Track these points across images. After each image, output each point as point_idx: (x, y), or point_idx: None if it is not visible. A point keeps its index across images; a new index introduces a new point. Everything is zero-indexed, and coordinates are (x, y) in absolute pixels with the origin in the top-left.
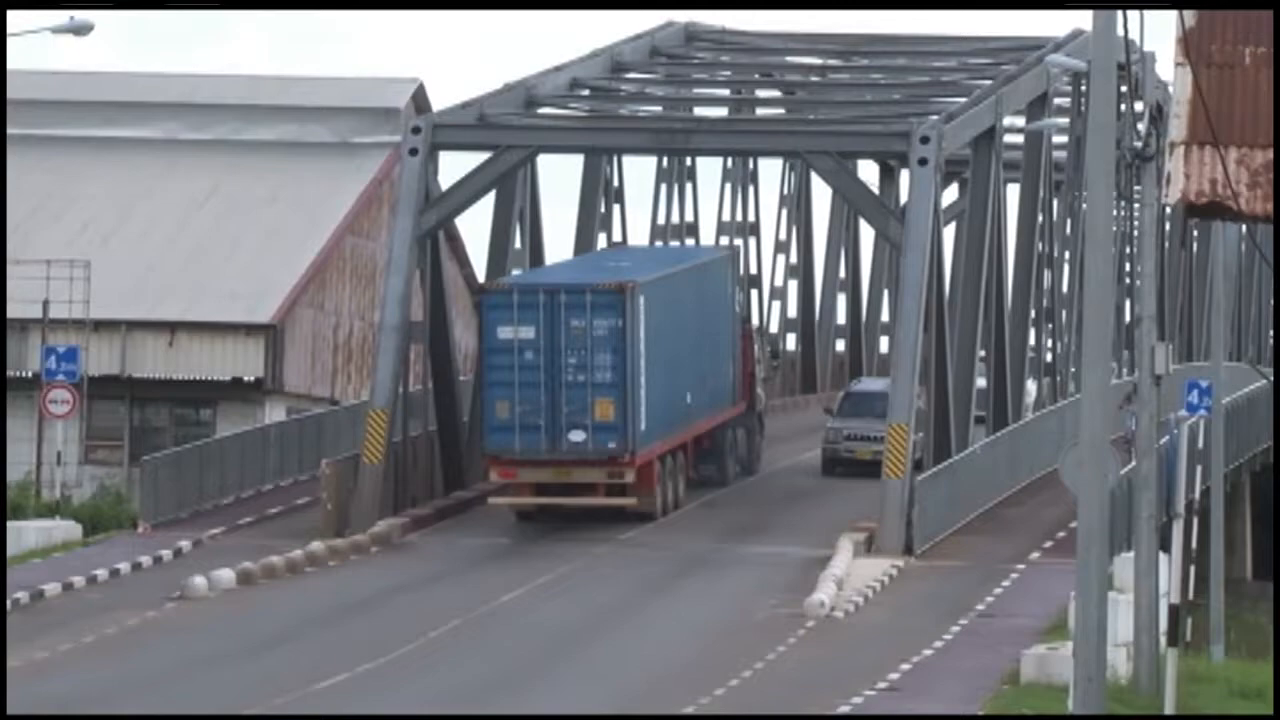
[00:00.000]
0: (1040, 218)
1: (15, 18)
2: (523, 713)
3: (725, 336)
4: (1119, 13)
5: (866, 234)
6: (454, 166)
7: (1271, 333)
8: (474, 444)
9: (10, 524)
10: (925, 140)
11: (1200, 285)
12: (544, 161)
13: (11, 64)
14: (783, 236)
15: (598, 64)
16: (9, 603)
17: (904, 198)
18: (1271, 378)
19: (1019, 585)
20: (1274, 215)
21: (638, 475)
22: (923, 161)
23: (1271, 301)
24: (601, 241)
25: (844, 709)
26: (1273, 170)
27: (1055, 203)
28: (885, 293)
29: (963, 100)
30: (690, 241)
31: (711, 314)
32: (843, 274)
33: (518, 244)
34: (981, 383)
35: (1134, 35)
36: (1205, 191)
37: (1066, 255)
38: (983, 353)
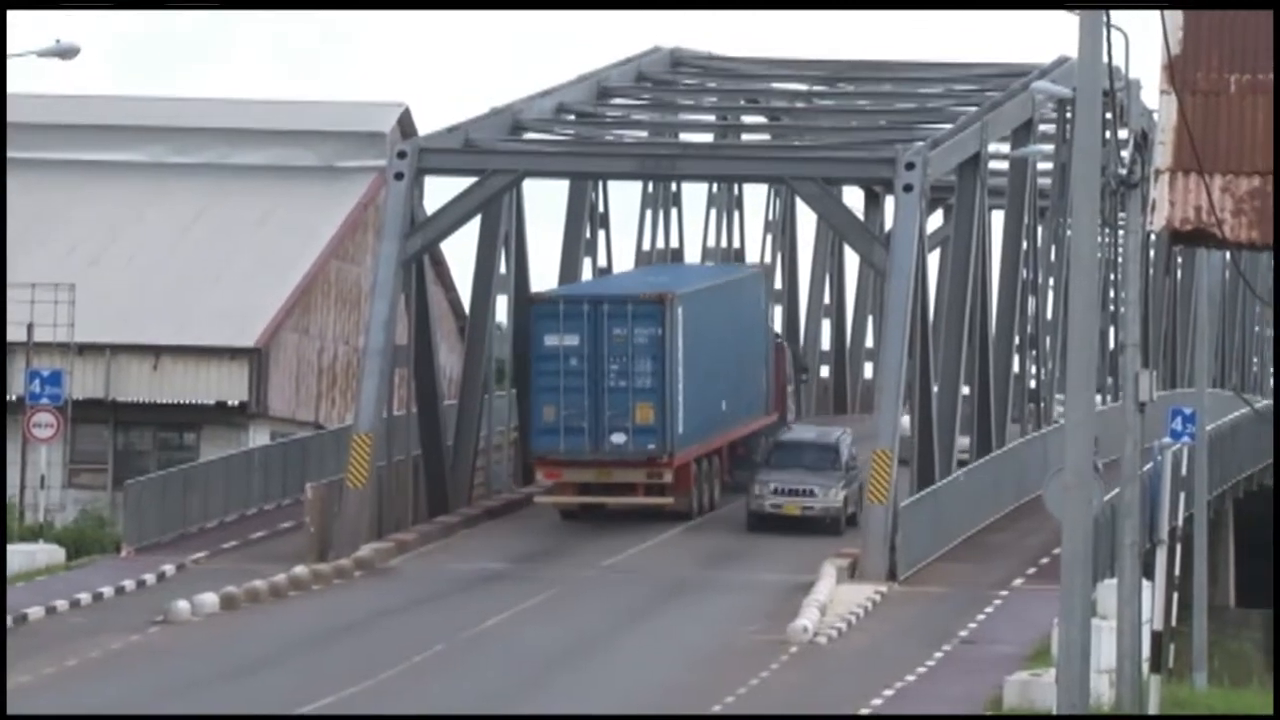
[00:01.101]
0: (1025, 244)
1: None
2: None
3: (759, 348)
4: (1104, 40)
5: (851, 260)
6: (439, 191)
7: (1255, 359)
8: (459, 468)
9: None
10: (910, 166)
11: (1184, 312)
12: (529, 186)
13: None
14: (767, 262)
15: (584, 89)
16: None
17: (889, 224)
18: (1255, 405)
19: (1002, 611)
20: (1275, 239)
21: (675, 476)
22: (908, 188)
23: (1255, 329)
24: (587, 266)
25: None
26: (1262, 197)
27: (1040, 229)
28: (870, 319)
29: (948, 127)
30: None
31: (746, 327)
32: (827, 300)
33: (503, 269)
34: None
35: (1119, 63)
36: (1190, 219)
37: (1051, 281)
38: (965, 390)
